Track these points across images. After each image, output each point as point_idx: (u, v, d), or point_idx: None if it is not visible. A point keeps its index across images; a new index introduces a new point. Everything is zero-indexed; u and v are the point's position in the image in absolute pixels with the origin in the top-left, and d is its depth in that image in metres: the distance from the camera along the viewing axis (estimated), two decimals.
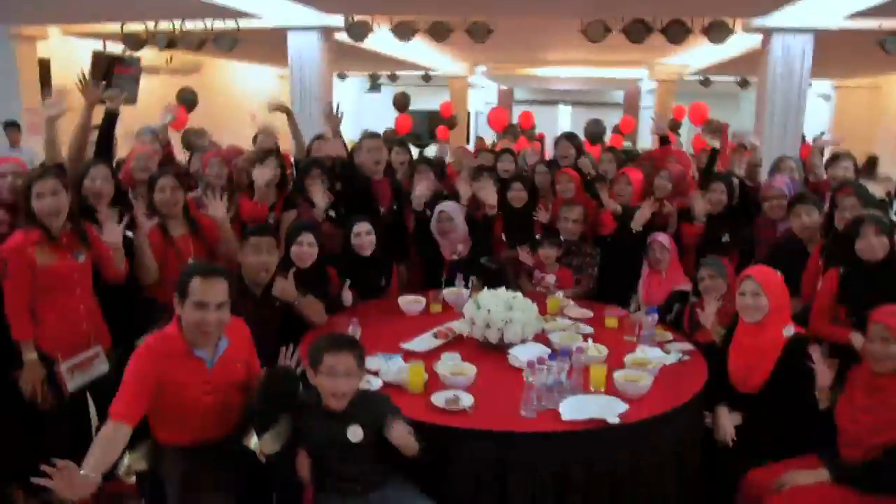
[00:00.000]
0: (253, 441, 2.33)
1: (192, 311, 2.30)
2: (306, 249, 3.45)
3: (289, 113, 5.10)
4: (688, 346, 3.18)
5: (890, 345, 2.45)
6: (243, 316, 2.63)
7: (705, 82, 13.86)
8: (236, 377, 2.48)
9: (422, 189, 4.25)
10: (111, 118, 3.73)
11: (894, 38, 7.00)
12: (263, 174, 3.95)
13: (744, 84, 13.70)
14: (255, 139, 5.22)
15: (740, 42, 8.27)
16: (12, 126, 7.98)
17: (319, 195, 3.97)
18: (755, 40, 7.82)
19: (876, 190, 6.19)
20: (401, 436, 2.19)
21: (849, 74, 12.72)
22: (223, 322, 2.37)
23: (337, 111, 4.51)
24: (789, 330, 2.78)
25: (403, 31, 7.74)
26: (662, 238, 3.86)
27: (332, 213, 4.13)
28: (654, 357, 2.92)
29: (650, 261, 3.88)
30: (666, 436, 2.53)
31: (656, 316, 3.27)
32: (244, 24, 7.90)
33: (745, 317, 2.85)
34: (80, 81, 3.64)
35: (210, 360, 2.39)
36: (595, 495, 2.38)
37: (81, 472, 1.96)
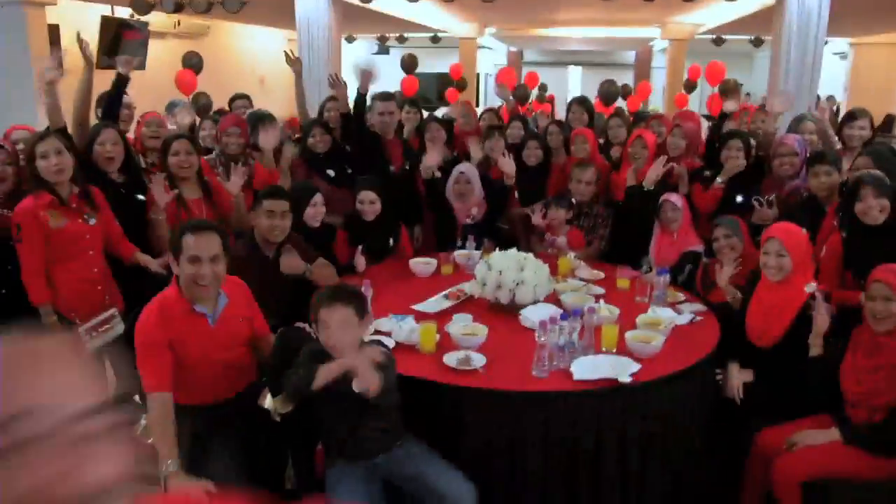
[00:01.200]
0: (267, 400, 2.36)
1: (187, 266, 2.32)
2: (318, 210, 3.46)
3: (298, 73, 4.98)
4: (700, 306, 3.17)
5: (891, 303, 2.43)
6: (255, 278, 2.64)
7: (718, 41, 13.61)
8: (241, 333, 2.50)
9: (433, 158, 4.18)
10: (121, 84, 3.71)
11: None
12: (268, 139, 3.96)
13: (757, 43, 13.43)
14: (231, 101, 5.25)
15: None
16: None
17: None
18: None
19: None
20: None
21: (866, 31, 12.42)
22: (219, 275, 2.37)
23: (340, 80, 4.47)
24: (811, 286, 2.75)
25: None
26: (674, 198, 3.82)
27: (330, 173, 4.15)
28: (665, 317, 2.91)
29: (662, 221, 3.86)
30: (678, 395, 2.53)
31: (668, 277, 3.26)
32: None
33: (768, 276, 2.83)
34: (79, 42, 3.61)
35: (212, 317, 2.41)
36: (606, 455, 2.40)
37: (164, 469, 2.08)
